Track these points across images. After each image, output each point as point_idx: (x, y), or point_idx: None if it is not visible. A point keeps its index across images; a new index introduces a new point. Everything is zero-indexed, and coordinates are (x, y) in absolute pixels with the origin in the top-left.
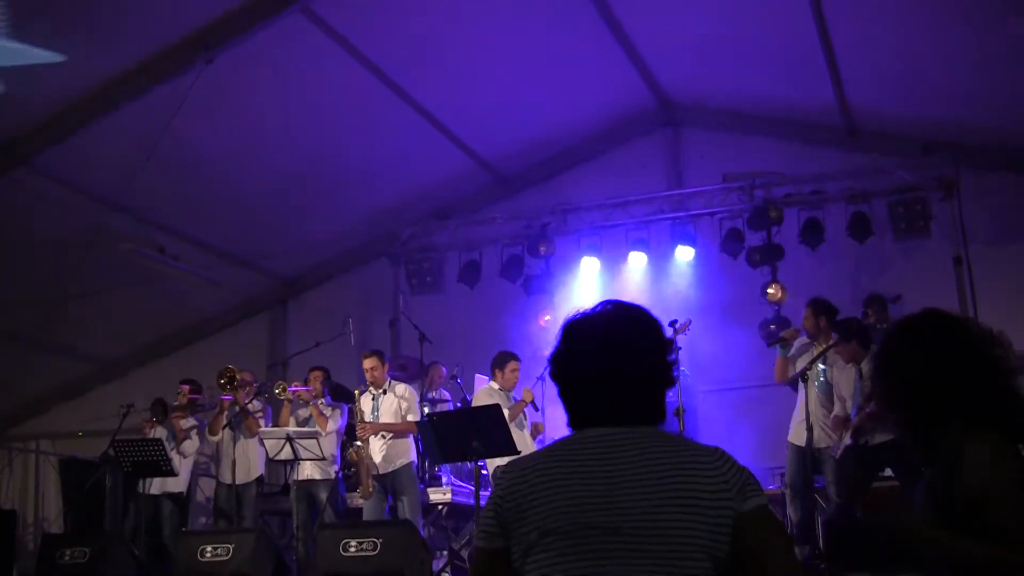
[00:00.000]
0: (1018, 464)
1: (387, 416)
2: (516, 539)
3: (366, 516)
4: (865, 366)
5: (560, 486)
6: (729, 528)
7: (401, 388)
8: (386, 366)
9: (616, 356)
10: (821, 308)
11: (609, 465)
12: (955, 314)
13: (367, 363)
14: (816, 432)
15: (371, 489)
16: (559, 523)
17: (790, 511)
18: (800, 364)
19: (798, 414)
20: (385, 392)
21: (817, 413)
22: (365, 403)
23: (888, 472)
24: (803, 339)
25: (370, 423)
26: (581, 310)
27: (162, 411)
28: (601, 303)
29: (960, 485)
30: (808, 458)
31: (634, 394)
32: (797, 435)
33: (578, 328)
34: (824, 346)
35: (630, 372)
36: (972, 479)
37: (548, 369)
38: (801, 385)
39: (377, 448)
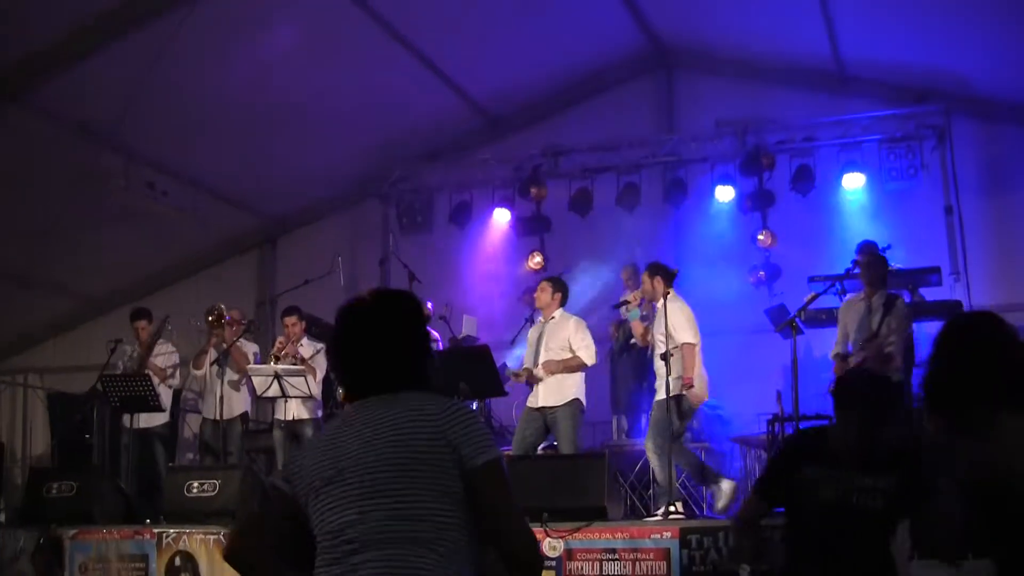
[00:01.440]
0: None
1: None
2: (297, 489)
3: None
4: (876, 300)
5: (315, 453)
6: (457, 474)
7: None
8: None
9: (358, 340)
10: (655, 270)
11: (348, 429)
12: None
13: None
14: (658, 384)
15: None
16: (311, 483)
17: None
18: (655, 327)
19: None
20: None
21: (658, 368)
22: None
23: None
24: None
25: None
26: (350, 299)
27: (140, 366)
28: (365, 292)
29: (995, 452)
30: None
31: (377, 368)
32: (659, 393)
33: (338, 318)
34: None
35: (369, 352)
36: (1006, 447)
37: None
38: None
39: None
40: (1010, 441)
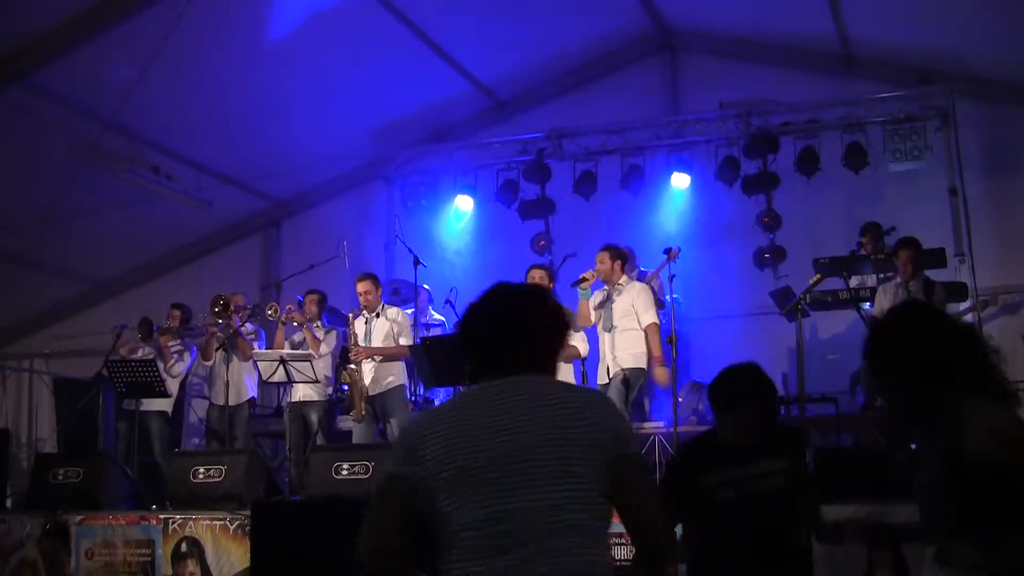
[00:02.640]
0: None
1: (379, 339)
2: (424, 477)
3: (356, 439)
4: (914, 286)
5: (460, 430)
6: (604, 465)
7: (393, 312)
8: (379, 290)
9: (505, 323)
10: (616, 253)
11: (499, 409)
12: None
13: (360, 286)
14: (618, 360)
15: (363, 412)
16: (462, 466)
17: None
18: (616, 307)
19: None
20: (378, 316)
21: (608, 352)
22: (358, 326)
23: None
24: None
25: (364, 347)
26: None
27: (148, 330)
28: (495, 284)
29: (972, 450)
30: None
31: (520, 351)
32: (601, 376)
33: (480, 301)
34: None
35: (515, 335)
36: (983, 445)
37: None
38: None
39: (367, 370)
40: (970, 429)
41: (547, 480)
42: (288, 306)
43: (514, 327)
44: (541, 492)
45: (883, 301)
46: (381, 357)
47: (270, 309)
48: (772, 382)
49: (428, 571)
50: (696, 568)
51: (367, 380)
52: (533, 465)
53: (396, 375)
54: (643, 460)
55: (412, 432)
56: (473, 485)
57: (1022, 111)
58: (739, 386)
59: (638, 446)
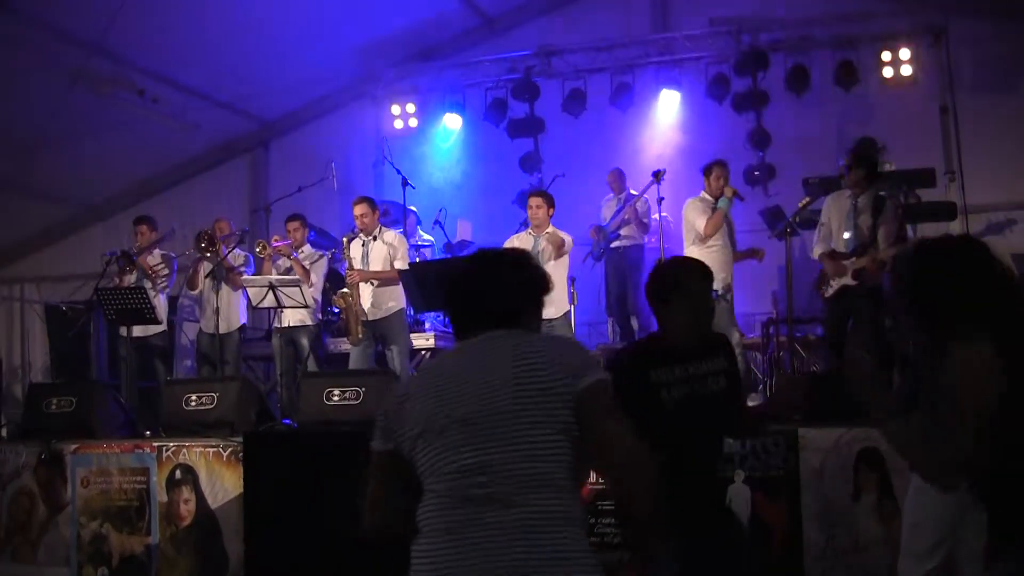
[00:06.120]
0: (993, 376)
1: (376, 263)
2: (400, 440)
3: (352, 364)
4: (863, 200)
5: (433, 389)
6: (570, 405)
7: (390, 235)
8: (376, 213)
9: (482, 283)
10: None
11: (468, 366)
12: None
13: (357, 209)
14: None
15: (360, 336)
16: (422, 429)
17: None
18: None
19: None
20: (375, 239)
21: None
22: (355, 250)
23: None
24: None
25: (359, 270)
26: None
27: (129, 261)
28: (476, 251)
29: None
30: None
31: (497, 308)
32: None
33: (461, 267)
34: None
35: (493, 293)
36: (947, 375)
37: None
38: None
39: (367, 294)
40: (953, 373)
41: (517, 432)
42: (274, 237)
43: (489, 288)
44: (512, 445)
45: (829, 211)
46: (378, 282)
47: (259, 247)
48: (709, 271)
49: None
50: None
51: (366, 304)
52: (504, 419)
53: (397, 300)
54: (606, 384)
55: (390, 407)
56: (447, 441)
57: (1015, 27)
58: (676, 277)
59: (601, 371)
